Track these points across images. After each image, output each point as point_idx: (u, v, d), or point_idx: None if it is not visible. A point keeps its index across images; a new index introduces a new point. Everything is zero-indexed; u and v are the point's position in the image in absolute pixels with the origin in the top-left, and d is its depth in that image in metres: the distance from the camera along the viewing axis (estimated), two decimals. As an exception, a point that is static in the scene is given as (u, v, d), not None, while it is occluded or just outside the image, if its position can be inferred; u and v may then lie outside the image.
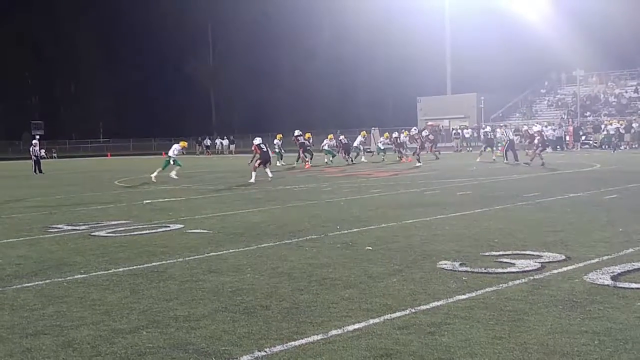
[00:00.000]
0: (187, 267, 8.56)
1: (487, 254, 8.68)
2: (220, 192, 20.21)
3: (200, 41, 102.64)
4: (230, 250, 9.63)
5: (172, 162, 27.34)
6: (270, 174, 24.39)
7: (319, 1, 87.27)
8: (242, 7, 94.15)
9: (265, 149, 24.83)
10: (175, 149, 27.68)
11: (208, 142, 72.54)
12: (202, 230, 11.79)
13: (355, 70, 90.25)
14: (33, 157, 38.36)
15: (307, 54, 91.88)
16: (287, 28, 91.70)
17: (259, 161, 24.52)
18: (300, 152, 35.54)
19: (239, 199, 17.95)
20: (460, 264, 8.06)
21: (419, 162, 30.93)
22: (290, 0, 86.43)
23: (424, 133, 35.62)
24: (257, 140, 24.86)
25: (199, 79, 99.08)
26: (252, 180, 23.26)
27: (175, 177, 26.82)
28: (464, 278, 7.37)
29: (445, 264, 8.09)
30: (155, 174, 26.43)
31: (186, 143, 31.03)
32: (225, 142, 72.68)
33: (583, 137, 49.47)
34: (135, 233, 11.81)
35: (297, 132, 36.84)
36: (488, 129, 43.50)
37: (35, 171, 37.05)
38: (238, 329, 5.77)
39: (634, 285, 6.78)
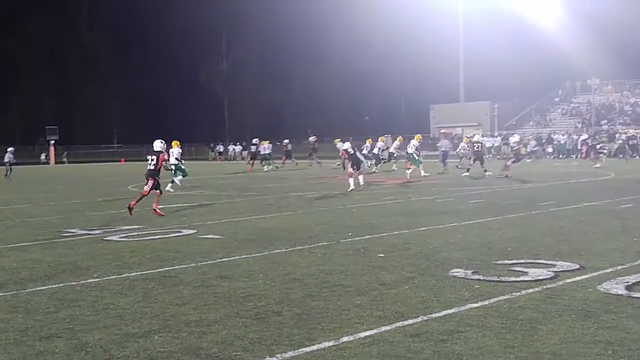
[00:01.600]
0: (199, 272, 8.58)
1: (500, 262, 8.64)
2: (233, 198, 20.24)
3: (214, 48, 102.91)
4: (242, 256, 9.65)
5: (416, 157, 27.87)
6: (362, 181, 22.21)
7: (332, 9, 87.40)
8: (255, 15, 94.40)
9: (353, 152, 22.63)
10: (396, 145, 28.17)
11: (221, 148, 72.62)
12: (214, 236, 11.82)
13: (368, 77, 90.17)
14: (6, 162, 38.16)
15: (320, 61, 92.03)
16: (301, 35, 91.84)
17: (350, 165, 22.50)
18: (249, 158, 41.04)
19: (251, 205, 17.97)
20: (473, 272, 8.03)
21: (467, 171, 28.49)
22: (304, 8, 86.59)
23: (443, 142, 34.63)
24: (346, 145, 23.14)
25: (212, 85, 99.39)
26: (352, 187, 21.34)
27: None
28: (476, 286, 7.34)
29: (458, 272, 8.06)
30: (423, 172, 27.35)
31: (420, 136, 30.93)
32: (238, 148, 72.74)
33: (598, 147, 49.16)
34: (148, 238, 11.86)
35: (254, 140, 41.40)
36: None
37: (6, 175, 36.91)
38: (249, 335, 5.77)
39: (648, 295, 6.71)
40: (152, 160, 15.85)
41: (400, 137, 39.21)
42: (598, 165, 34.33)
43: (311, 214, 15.35)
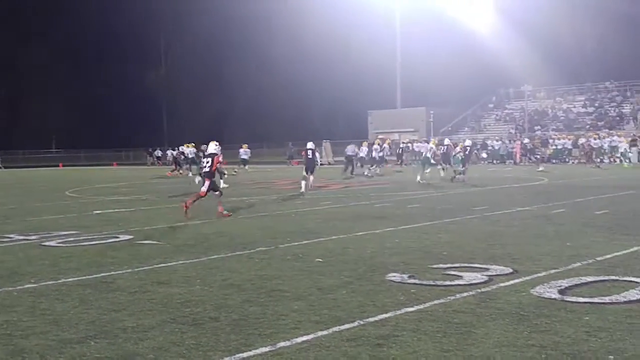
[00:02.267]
0: (136, 278, 8.48)
1: (435, 266, 8.77)
2: (171, 204, 20.03)
3: (153, 52, 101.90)
4: (180, 262, 9.57)
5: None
6: (303, 188, 22.25)
7: (273, 14, 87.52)
8: (195, 19, 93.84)
9: (310, 156, 22.92)
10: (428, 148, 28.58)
11: (159, 152, 71.60)
12: (151, 242, 11.70)
13: (308, 83, 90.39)
14: None
15: (261, 67, 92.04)
16: (241, 41, 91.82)
17: (305, 168, 23.05)
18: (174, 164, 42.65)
19: (189, 210, 17.78)
20: (409, 277, 8.14)
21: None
22: (244, 14, 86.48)
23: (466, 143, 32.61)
24: (309, 145, 23.39)
25: (151, 89, 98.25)
26: (303, 189, 21.98)
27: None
28: (412, 290, 7.44)
29: (394, 277, 8.16)
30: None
31: (436, 140, 31.98)
32: (176, 152, 71.80)
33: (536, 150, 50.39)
34: (85, 243, 11.68)
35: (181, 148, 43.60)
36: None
37: None
38: (186, 341, 5.75)
39: (581, 299, 6.88)
40: (208, 162, 15.80)
41: (389, 140, 39.59)
42: (541, 168, 35.34)
43: (250, 219, 15.32)
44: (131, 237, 12.37)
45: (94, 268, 9.21)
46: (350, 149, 35.06)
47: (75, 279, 8.51)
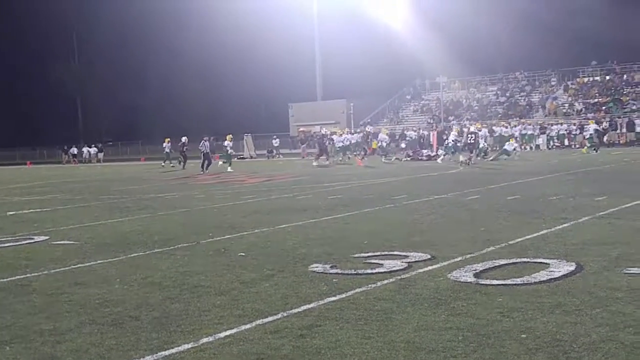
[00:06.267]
0: (53, 279, 8.27)
1: (356, 255, 8.88)
2: (88, 202, 19.58)
3: (65, 45, 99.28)
4: (98, 261, 9.38)
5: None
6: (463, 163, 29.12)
7: (187, 5, 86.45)
8: (107, 12, 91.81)
9: (473, 140, 30.28)
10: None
11: (75, 150, 69.87)
12: (68, 242, 11.41)
13: (225, 76, 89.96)
14: None
15: (177, 61, 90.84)
16: (155, 33, 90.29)
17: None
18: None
19: (107, 208, 17.46)
20: (331, 266, 8.22)
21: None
22: (157, 5, 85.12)
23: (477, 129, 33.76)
24: (472, 128, 31.28)
25: (64, 84, 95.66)
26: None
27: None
28: (334, 280, 7.51)
29: (317, 267, 8.22)
30: None
31: (459, 128, 38.34)
32: (93, 150, 70.24)
33: (446, 141, 51.37)
34: (-3, 246, 11.29)
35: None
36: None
37: None
38: (106, 341, 5.64)
39: (495, 282, 7.11)
40: (472, 137, 28.94)
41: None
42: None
43: (171, 215, 15.13)
44: (47, 237, 12.04)
45: (8, 271, 8.92)
46: (203, 145, 35.10)
47: (-12, 283, 8.23)
